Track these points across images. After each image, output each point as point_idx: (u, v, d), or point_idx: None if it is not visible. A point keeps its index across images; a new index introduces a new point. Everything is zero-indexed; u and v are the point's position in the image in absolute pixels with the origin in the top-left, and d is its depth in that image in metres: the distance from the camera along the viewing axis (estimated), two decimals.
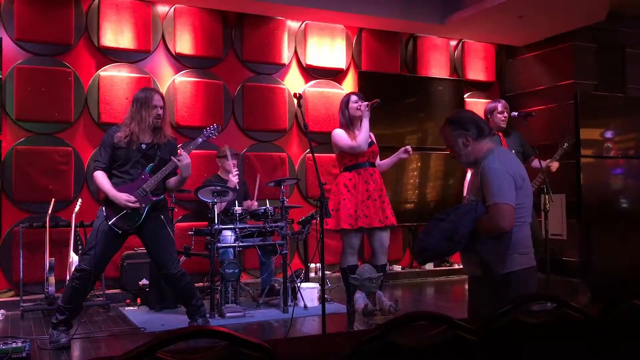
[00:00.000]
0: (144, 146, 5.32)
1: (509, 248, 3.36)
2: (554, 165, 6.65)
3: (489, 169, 3.43)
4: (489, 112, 6.87)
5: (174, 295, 6.31)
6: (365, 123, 5.82)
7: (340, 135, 5.94)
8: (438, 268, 9.31)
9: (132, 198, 5.20)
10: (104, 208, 5.30)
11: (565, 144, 6.79)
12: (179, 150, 5.37)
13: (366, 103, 5.85)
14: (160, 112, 5.35)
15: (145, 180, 5.27)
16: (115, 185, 5.26)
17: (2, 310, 6.40)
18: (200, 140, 5.51)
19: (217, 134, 5.72)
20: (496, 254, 3.37)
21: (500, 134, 6.84)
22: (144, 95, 5.36)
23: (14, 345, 4.49)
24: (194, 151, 5.57)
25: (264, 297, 6.88)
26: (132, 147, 5.27)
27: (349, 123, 5.95)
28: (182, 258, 6.98)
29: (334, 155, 6.13)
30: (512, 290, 3.35)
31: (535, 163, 6.84)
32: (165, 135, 5.42)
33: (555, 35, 8.98)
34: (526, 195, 3.48)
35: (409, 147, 6.11)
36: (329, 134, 6.10)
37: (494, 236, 3.34)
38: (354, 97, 6.00)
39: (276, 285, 7.08)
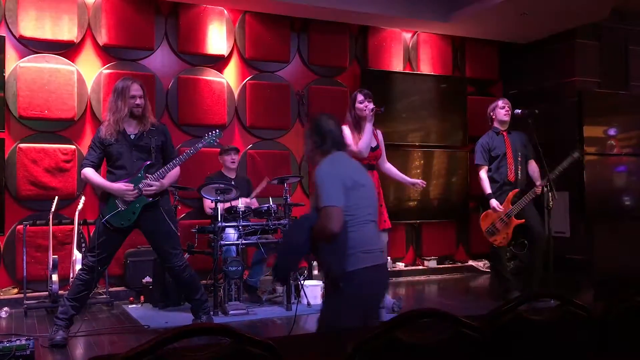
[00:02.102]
0: (132, 136, 5.31)
1: (346, 247, 3.42)
2: (538, 189, 6.63)
3: (318, 173, 3.54)
4: (491, 110, 6.95)
5: (178, 289, 6.32)
6: (368, 128, 5.77)
7: (344, 135, 5.93)
8: (441, 266, 9.31)
9: (130, 186, 5.20)
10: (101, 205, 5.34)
11: (576, 154, 6.76)
12: (146, 181, 5.29)
13: (371, 107, 5.80)
14: (139, 101, 5.30)
15: (141, 178, 5.27)
16: (111, 182, 5.27)
17: (5, 307, 6.41)
18: (200, 145, 5.51)
19: (217, 140, 5.72)
20: (334, 254, 3.43)
21: (505, 133, 6.84)
22: (122, 85, 5.32)
23: (17, 342, 4.49)
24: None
25: (266, 295, 6.89)
26: (121, 140, 5.26)
27: (356, 122, 5.93)
28: (186, 255, 6.99)
29: None
30: (357, 289, 3.43)
31: (533, 167, 6.85)
32: (149, 123, 5.38)
33: (558, 33, 8.97)
34: (362, 196, 3.54)
35: (423, 184, 6.23)
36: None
37: (329, 240, 3.39)
38: (360, 97, 5.95)
39: (279, 284, 7.09)
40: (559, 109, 8.90)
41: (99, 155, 5.31)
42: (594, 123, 8.80)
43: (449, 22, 8.68)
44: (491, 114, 6.96)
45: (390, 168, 6.22)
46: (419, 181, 6.23)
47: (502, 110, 6.85)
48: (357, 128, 5.89)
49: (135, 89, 5.29)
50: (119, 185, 5.20)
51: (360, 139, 5.78)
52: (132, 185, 5.21)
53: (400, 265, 9.11)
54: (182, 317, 6.11)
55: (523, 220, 6.74)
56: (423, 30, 9.34)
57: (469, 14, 8.36)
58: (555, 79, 9.17)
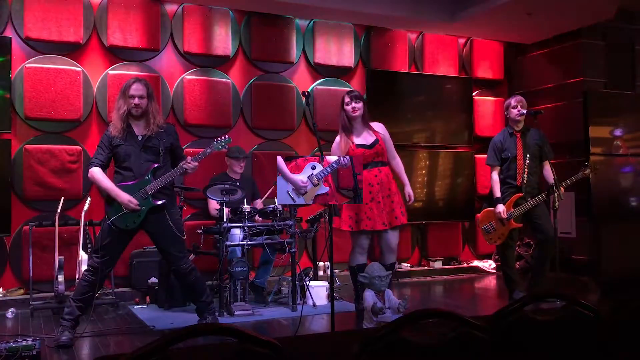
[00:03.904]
0: (140, 137, 5.31)
1: None
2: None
3: None
4: (505, 108, 6.90)
5: (183, 291, 6.32)
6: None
7: (334, 143, 6.02)
8: (447, 267, 9.30)
9: (134, 201, 5.21)
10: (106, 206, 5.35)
11: (588, 171, 6.71)
12: (188, 158, 5.37)
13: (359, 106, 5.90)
14: (138, 101, 5.28)
15: (148, 181, 5.27)
16: (117, 183, 5.29)
17: (12, 308, 6.42)
18: (209, 151, 5.51)
19: (227, 146, 5.74)
20: None
21: (518, 135, 6.78)
22: (125, 84, 5.36)
23: (24, 343, 4.51)
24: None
25: (272, 296, 6.90)
26: (129, 141, 5.28)
27: (346, 124, 5.96)
28: (191, 256, 6.99)
29: None
30: None
31: (547, 169, 6.79)
32: (155, 124, 5.37)
33: (564, 33, 8.95)
34: None
35: (411, 200, 6.26)
36: (337, 132, 6.11)
37: None
38: (346, 98, 5.99)
39: (284, 285, 7.09)
40: (564, 109, 8.89)
41: (108, 155, 5.33)
42: (600, 123, 8.78)
43: (455, 23, 8.67)
44: (506, 113, 6.91)
45: (397, 164, 6.22)
46: (409, 196, 6.24)
47: (514, 110, 6.77)
48: (347, 130, 5.95)
49: (135, 89, 5.29)
50: (125, 197, 5.21)
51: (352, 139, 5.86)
52: (137, 202, 5.22)
53: (406, 266, 9.10)
54: (187, 318, 6.11)
55: (520, 225, 6.72)
56: (428, 30, 9.34)
57: (474, 14, 8.34)
58: (561, 79, 9.14)
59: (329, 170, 5.50)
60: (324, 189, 5.57)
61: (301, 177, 5.48)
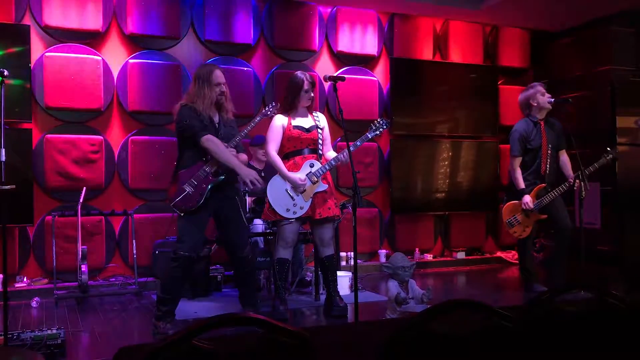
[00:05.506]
0: (216, 125, 5.31)
1: None
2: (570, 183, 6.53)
3: None
4: (532, 97, 6.69)
5: (238, 278, 6.01)
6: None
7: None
8: (470, 257, 9.22)
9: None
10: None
11: (610, 156, 6.56)
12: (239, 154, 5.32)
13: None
14: (224, 88, 5.33)
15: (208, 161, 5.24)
16: (187, 165, 5.25)
17: (36, 297, 6.45)
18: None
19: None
20: None
21: (542, 123, 6.68)
22: (205, 71, 5.32)
23: (49, 332, 4.53)
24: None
25: (294, 287, 6.86)
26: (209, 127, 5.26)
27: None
28: (214, 246, 6.98)
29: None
30: None
31: (565, 159, 6.72)
32: (229, 111, 5.42)
33: (592, 20, 8.77)
34: None
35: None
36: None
37: None
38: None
39: (306, 277, 7.06)
40: (591, 98, 8.75)
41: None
42: (628, 113, 8.61)
43: (481, 10, 8.51)
44: (531, 101, 6.73)
45: (329, 155, 5.88)
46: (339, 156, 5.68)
47: (543, 96, 6.64)
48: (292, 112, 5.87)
49: (218, 76, 5.35)
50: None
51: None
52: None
53: (429, 257, 9.04)
54: (210, 308, 6.11)
55: (545, 216, 6.63)
56: (453, 18, 9.22)
57: (501, 1, 8.19)
58: (588, 67, 8.98)
59: (327, 167, 5.48)
60: (322, 186, 5.55)
61: (299, 175, 5.46)
